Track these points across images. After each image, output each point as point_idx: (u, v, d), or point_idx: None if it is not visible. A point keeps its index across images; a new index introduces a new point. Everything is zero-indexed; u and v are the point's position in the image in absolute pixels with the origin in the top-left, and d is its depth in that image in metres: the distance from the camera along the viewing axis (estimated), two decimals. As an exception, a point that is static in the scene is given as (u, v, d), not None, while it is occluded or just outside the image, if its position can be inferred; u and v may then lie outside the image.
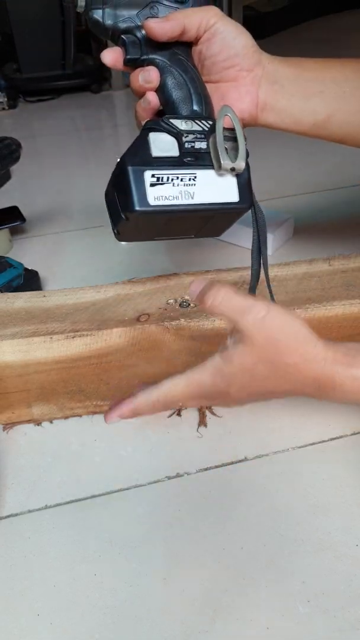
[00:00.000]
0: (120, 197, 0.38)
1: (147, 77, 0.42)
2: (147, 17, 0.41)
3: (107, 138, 1.36)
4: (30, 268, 0.72)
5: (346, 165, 1.03)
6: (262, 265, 0.44)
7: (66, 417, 0.54)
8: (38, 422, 0.54)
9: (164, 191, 0.37)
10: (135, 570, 0.41)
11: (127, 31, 0.42)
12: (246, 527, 0.44)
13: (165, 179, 0.37)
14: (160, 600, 0.39)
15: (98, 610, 0.39)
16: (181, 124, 0.39)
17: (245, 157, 0.39)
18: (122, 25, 0.41)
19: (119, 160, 0.39)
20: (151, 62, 0.42)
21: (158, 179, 0.36)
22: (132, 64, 0.42)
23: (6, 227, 0.82)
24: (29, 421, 0.54)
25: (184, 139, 0.38)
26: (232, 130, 0.39)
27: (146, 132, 0.38)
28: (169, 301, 0.53)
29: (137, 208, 0.37)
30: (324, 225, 0.84)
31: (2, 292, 0.65)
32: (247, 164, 0.40)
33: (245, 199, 0.39)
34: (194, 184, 0.38)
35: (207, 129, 0.39)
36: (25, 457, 0.51)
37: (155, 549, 0.43)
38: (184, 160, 0.38)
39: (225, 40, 0.42)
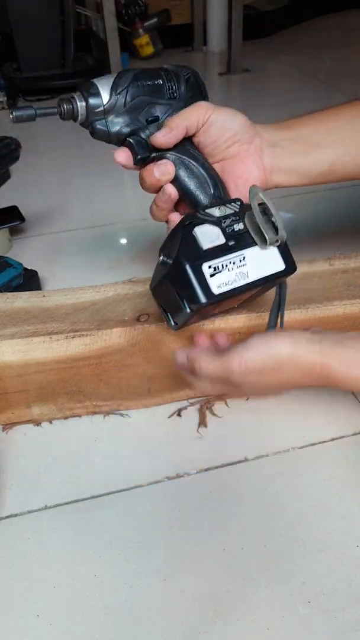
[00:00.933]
0: (182, 293, 0.40)
1: (164, 170, 0.44)
2: (149, 119, 0.44)
3: (106, 137, 1.36)
4: (29, 268, 0.72)
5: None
6: (279, 318, 0.46)
7: (66, 418, 0.54)
8: (38, 423, 0.54)
9: (223, 278, 0.39)
10: (135, 571, 0.41)
11: (132, 134, 0.45)
12: (246, 528, 0.43)
13: (221, 267, 0.39)
14: (160, 600, 0.39)
15: (98, 610, 0.39)
16: (216, 212, 0.41)
17: (283, 228, 0.41)
18: (126, 130, 0.44)
19: (162, 259, 0.42)
20: (161, 157, 0.45)
21: (215, 268, 0.39)
22: (142, 162, 0.45)
23: (5, 227, 0.82)
24: (28, 421, 0.54)
25: (223, 225, 0.40)
26: (261, 204, 0.41)
27: (190, 227, 0.40)
28: (169, 301, 0.52)
29: (205, 301, 0.39)
30: (325, 225, 0.84)
31: (1, 292, 0.65)
32: None
33: (289, 264, 0.42)
34: (245, 264, 0.40)
35: (237, 210, 0.41)
36: (25, 458, 0.51)
37: (155, 550, 0.42)
38: (229, 244, 0.40)
39: (222, 126, 0.45)
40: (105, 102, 0.43)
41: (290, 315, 0.50)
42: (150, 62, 2.00)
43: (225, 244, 0.40)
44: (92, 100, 0.43)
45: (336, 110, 0.51)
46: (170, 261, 0.40)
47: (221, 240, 0.40)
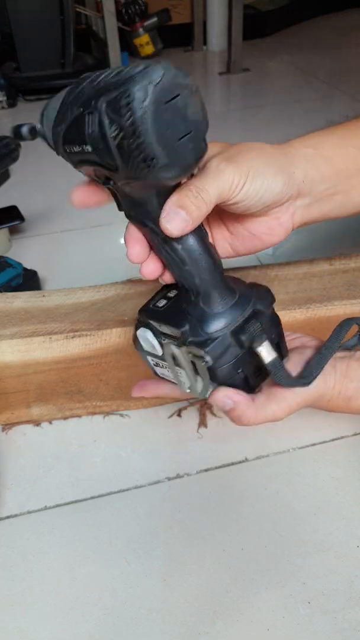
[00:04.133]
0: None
1: (145, 272, 0.35)
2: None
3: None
4: (29, 268, 0.72)
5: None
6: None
7: (65, 418, 0.54)
8: (37, 423, 0.54)
9: (159, 368, 0.38)
10: (135, 571, 0.41)
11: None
12: (246, 528, 0.43)
13: (159, 366, 0.38)
14: (160, 600, 0.39)
15: (98, 610, 0.39)
16: (163, 327, 0.36)
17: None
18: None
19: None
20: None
21: (157, 364, 0.38)
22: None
23: (5, 227, 0.82)
24: (28, 422, 0.53)
25: (161, 338, 0.36)
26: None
27: (137, 324, 0.38)
28: (169, 301, 0.52)
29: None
30: (325, 225, 0.84)
31: (1, 291, 0.65)
32: None
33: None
34: (181, 374, 0.36)
35: (179, 336, 0.34)
36: (25, 458, 0.51)
37: (155, 550, 0.42)
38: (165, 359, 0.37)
39: (251, 202, 0.33)
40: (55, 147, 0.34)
41: (291, 315, 0.50)
42: (150, 61, 1.99)
43: (163, 357, 0.36)
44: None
45: None
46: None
47: (154, 348, 0.36)
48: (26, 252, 0.83)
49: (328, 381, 0.36)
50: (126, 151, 0.27)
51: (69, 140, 0.30)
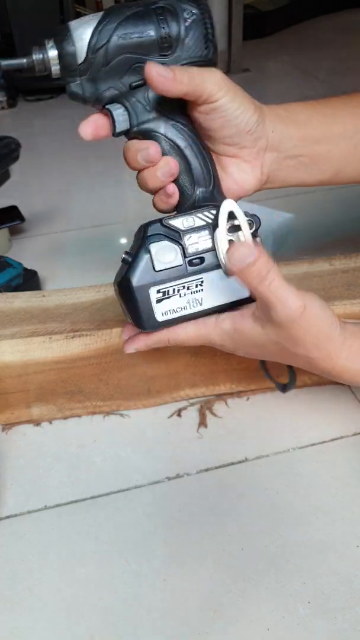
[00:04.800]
0: (129, 312, 0.36)
1: (146, 156, 0.36)
2: (133, 84, 0.36)
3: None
4: (29, 268, 0.72)
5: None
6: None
7: (65, 418, 0.54)
8: (37, 423, 0.54)
9: (171, 305, 0.35)
10: (135, 571, 0.41)
11: (113, 100, 0.37)
12: (246, 528, 0.43)
13: (171, 292, 0.35)
14: (160, 600, 0.39)
15: (98, 610, 0.39)
16: (182, 224, 0.35)
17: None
18: (106, 95, 0.37)
19: (124, 257, 0.37)
20: (148, 132, 0.37)
21: (164, 293, 0.34)
22: (125, 136, 0.38)
23: (5, 227, 0.82)
24: (28, 422, 0.53)
25: (187, 243, 0.35)
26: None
27: (147, 242, 0.35)
28: (169, 301, 0.52)
29: (146, 328, 0.36)
30: (325, 225, 0.84)
31: (1, 291, 0.65)
32: None
33: None
34: (202, 289, 0.35)
35: (211, 221, 0.36)
36: (25, 458, 0.51)
37: (155, 550, 0.42)
38: (188, 267, 0.35)
39: (229, 117, 0.37)
40: (79, 61, 0.35)
41: (290, 315, 0.50)
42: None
43: (183, 266, 0.35)
44: (66, 55, 0.35)
45: (354, 108, 0.44)
46: (129, 261, 0.36)
47: (179, 261, 0.35)
48: (26, 252, 0.83)
49: (336, 332, 0.34)
50: (195, 32, 0.36)
51: (127, 29, 0.35)
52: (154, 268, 0.35)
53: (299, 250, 0.78)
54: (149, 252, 0.35)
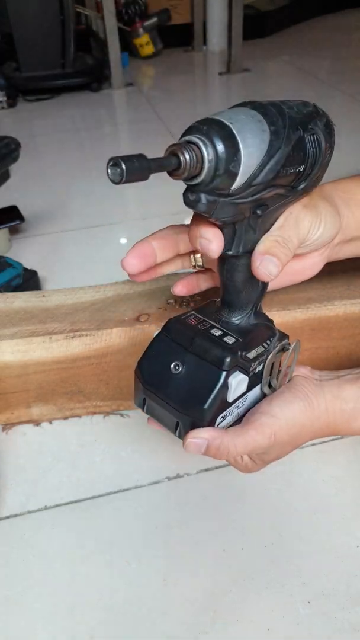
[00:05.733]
0: (182, 424, 0.34)
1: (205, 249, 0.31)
2: (255, 210, 0.30)
3: (106, 137, 1.36)
4: (29, 268, 0.72)
5: (347, 165, 1.03)
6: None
7: (65, 418, 0.54)
8: (37, 423, 0.54)
9: (224, 423, 0.35)
10: (135, 571, 0.41)
11: (232, 222, 0.30)
12: (246, 528, 0.43)
13: (228, 414, 0.35)
14: (160, 600, 0.39)
15: (98, 610, 0.39)
16: (252, 353, 0.35)
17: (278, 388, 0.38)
18: (229, 220, 0.30)
19: (175, 366, 0.34)
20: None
21: (224, 417, 0.34)
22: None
23: (5, 227, 0.82)
24: (28, 422, 0.53)
25: (250, 372, 0.35)
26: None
27: (225, 374, 0.33)
28: (169, 301, 0.52)
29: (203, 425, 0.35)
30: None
31: (1, 291, 0.65)
32: None
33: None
34: (244, 404, 0.36)
35: (266, 348, 0.35)
36: (25, 458, 0.51)
37: (155, 550, 0.42)
38: (246, 391, 0.35)
39: (316, 244, 0.36)
40: (232, 188, 0.27)
41: (290, 315, 0.50)
42: (150, 61, 2.00)
43: (245, 392, 0.35)
44: (226, 175, 0.26)
45: None
46: (182, 374, 0.33)
47: (243, 389, 0.34)
48: (26, 252, 0.83)
49: (315, 404, 0.35)
50: (324, 165, 0.32)
51: (291, 162, 0.29)
52: (227, 400, 0.34)
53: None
54: (229, 384, 0.33)
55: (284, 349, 0.37)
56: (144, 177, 0.24)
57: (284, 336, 0.37)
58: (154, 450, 0.50)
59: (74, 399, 0.53)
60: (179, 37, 2.05)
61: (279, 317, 0.49)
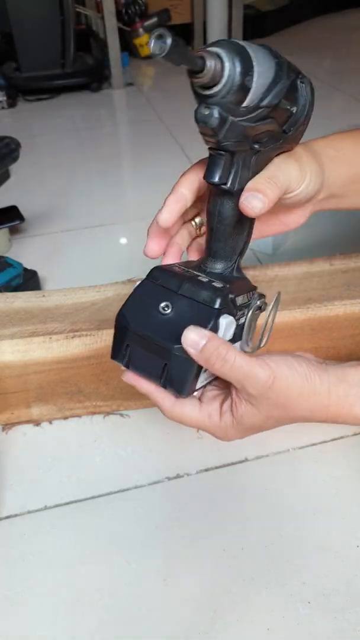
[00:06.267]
0: (167, 374, 0.34)
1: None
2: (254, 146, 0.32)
3: (106, 137, 1.36)
4: (29, 268, 0.72)
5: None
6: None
7: (65, 418, 0.54)
8: (37, 423, 0.54)
9: (203, 377, 0.35)
10: (135, 571, 0.41)
11: (226, 149, 0.32)
12: (246, 528, 0.43)
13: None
14: (160, 600, 0.39)
15: (98, 610, 0.39)
16: (239, 299, 0.35)
17: (259, 347, 0.38)
18: (228, 146, 0.31)
19: (164, 307, 0.34)
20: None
21: (206, 370, 0.34)
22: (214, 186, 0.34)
23: (5, 227, 0.82)
24: (28, 422, 0.53)
25: (237, 317, 0.35)
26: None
27: (217, 312, 0.33)
28: (169, 301, 0.52)
29: (182, 395, 0.34)
30: (325, 225, 0.84)
31: (1, 291, 0.65)
32: None
33: None
34: None
35: (248, 300, 0.36)
36: (25, 458, 0.51)
37: (155, 550, 0.42)
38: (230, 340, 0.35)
39: (299, 198, 0.37)
40: (249, 101, 0.29)
41: (290, 315, 0.50)
42: (150, 61, 2.00)
43: (231, 341, 0.34)
44: (240, 87, 0.28)
45: None
46: (172, 314, 0.33)
47: (231, 334, 0.34)
48: (26, 252, 0.83)
49: (317, 380, 0.34)
50: (307, 119, 0.35)
51: (287, 97, 0.32)
52: None
53: (299, 250, 0.78)
54: (219, 325, 0.33)
55: (261, 309, 0.38)
56: (177, 62, 0.25)
57: (262, 295, 0.38)
58: (154, 450, 0.50)
59: (74, 399, 0.53)
60: (179, 36, 2.05)
61: (279, 317, 0.49)
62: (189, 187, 0.37)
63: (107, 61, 1.68)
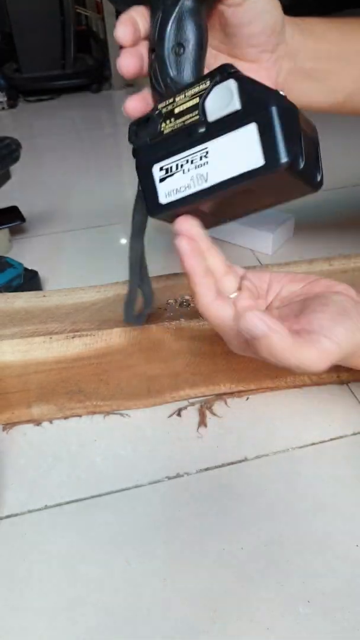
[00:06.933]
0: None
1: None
2: None
3: (107, 138, 1.36)
4: (30, 268, 0.72)
5: (347, 165, 1.03)
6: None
7: (66, 417, 0.54)
8: (38, 422, 0.54)
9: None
10: (135, 570, 0.41)
11: None
12: (246, 528, 0.43)
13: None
14: (160, 600, 0.39)
15: (98, 610, 0.39)
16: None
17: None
18: None
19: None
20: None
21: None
22: None
23: (6, 227, 0.82)
24: (28, 421, 0.54)
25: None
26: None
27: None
28: (169, 301, 0.53)
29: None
30: (325, 225, 0.84)
31: (1, 292, 0.65)
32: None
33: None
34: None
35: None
36: (25, 457, 0.51)
37: (155, 549, 0.42)
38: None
39: (257, 13, 0.35)
40: None
41: (290, 315, 0.50)
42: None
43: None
44: None
45: None
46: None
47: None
48: (27, 252, 0.84)
49: (354, 317, 0.34)
50: None
51: None
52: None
53: (299, 250, 0.78)
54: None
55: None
56: None
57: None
58: (154, 450, 0.50)
59: (74, 398, 0.53)
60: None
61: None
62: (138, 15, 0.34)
63: (107, 62, 1.69)
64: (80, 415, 0.54)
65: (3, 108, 1.57)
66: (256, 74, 0.36)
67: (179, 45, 0.31)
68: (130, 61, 0.34)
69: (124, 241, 0.88)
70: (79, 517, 0.45)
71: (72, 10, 1.61)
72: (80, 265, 0.80)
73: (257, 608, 0.38)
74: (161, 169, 0.29)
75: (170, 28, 0.31)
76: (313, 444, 0.50)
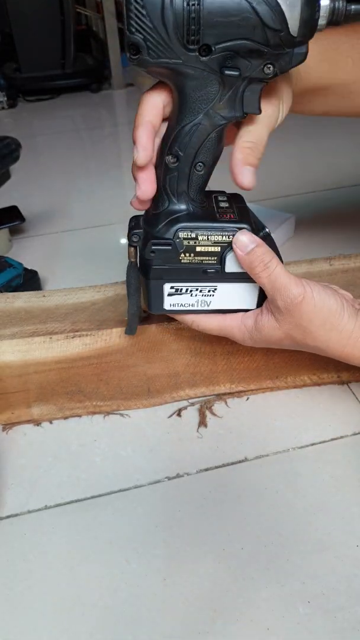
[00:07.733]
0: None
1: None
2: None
3: (106, 137, 1.36)
4: (29, 268, 0.72)
5: (347, 165, 1.03)
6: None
7: (66, 418, 0.54)
8: (38, 423, 0.54)
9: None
10: (135, 571, 0.41)
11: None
12: (246, 528, 0.43)
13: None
14: (160, 600, 0.39)
15: (98, 610, 0.39)
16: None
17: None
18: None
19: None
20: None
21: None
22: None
23: (6, 227, 0.82)
24: (28, 421, 0.54)
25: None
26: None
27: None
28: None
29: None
30: (325, 225, 0.84)
31: (1, 292, 0.65)
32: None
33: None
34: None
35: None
36: (25, 457, 0.51)
37: (155, 549, 0.42)
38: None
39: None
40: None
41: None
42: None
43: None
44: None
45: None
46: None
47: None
48: (27, 252, 0.84)
49: (345, 317, 0.35)
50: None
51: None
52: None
53: (299, 250, 0.78)
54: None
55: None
56: None
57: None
58: (154, 450, 0.50)
59: (74, 398, 0.53)
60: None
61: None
62: (154, 112, 0.36)
63: (107, 62, 1.69)
64: (80, 416, 0.54)
65: (3, 108, 1.56)
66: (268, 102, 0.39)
67: (201, 163, 0.35)
68: (150, 188, 0.36)
69: (124, 241, 0.88)
70: (79, 517, 0.45)
71: (72, 10, 1.60)
72: (80, 265, 0.80)
73: (257, 608, 0.38)
74: (172, 287, 0.36)
75: (199, 150, 0.35)
76: (313, 444, 0.50)
